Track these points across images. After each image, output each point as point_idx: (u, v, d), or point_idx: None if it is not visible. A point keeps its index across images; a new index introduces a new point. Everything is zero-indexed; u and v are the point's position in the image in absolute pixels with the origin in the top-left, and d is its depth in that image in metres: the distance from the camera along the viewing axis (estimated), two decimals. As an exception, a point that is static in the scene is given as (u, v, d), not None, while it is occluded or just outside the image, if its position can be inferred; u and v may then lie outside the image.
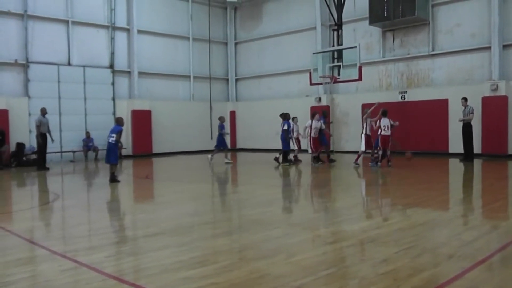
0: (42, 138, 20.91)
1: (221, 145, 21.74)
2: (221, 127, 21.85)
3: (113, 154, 15.44)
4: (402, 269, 5.68)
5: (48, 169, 20.98)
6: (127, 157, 27.11)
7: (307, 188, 14.77)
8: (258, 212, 10.34)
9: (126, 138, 27.57)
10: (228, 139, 23.04)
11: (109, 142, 15.30)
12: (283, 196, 13.06)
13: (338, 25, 23.28)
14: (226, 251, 6.91)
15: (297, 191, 14.06)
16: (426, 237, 7.46)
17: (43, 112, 21.12)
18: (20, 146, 23.57)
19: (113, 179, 15.52)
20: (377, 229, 8.08)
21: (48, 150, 21.99)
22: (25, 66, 24.41)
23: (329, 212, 10.26)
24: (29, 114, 23.83)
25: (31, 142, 23.52)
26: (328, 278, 5.49)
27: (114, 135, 15.09)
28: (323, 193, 13.43)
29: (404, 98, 24.35)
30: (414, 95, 24.04)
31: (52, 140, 21.52)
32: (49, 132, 21.19)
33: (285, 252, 6.57)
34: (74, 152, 25.77)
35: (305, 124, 20.43)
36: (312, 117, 20.02)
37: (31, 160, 23.17)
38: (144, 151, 28.01)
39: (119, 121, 15.78)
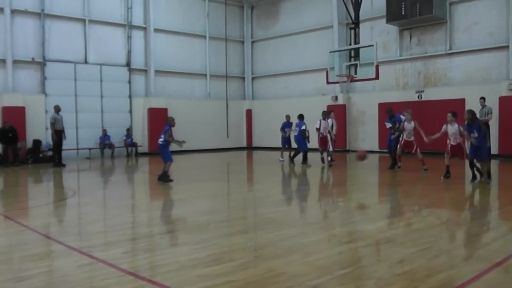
0: (57, 135, 21.16)
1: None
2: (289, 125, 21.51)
3: (163, 153, 15.20)
4: (419, 270, 5.66)
5: (64, 165, 21.15)
6: (143, 154, 27.22)
7: (323, 188, 14.73)
8: (274, 211, 10.35)
9: (142, 136, 27.71)
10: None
11: (159, 143, 15.22)
12: (299, 195, 13.04)
13: (355, 24, 23.20)
14: (242, 249, 6.93)
15: (313, 190, 14.03)
16: (443, 238, 7.43)
17: (57, 109, 21.38)
18: (37, 143, 23.77)
19: (164, 177, 15.14)
20: (394, 229, 8.06)
21: (64, 147, 22.21)
22: (42, 64, 24.61)
23: (345, 212, 10.23)
24: (46, 112, 23.98)
25: (47, 139, 23.69)
26: (344, 278, 5.48)
27: (163, 136, 15.01)
28: (339, 192, 13.40)
29: (421, 98, 24.19)
30: (431, 95, 23.89)
31: (65, 137, 21.67)
32: (63, 129, 21.42)
33: (301, 251, 6.56)
34: (90, 149, 25.92)
35: (315, 125, 20.18)
36: (328, 115, 19.74)
37: (48, 157, 23.37)
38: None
39: (168, 121, 15.48)
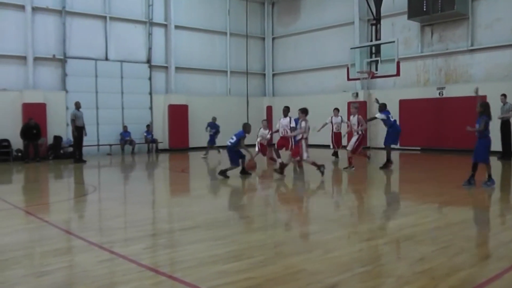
0: (78, 131, 21.39)
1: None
2: None
3: (231, 156, 15.03)
4: (439, 268, 5.63)
5: (85, 162, 21.32)
6: (164, 150, 27.35)
7: (343, 185, 14.68)
8: (294, 208, 10.35)
9: (163, 132, 27.83)
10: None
11: (228, 144, 15.16)
12: (319, 192, 13.01)
13: (377, 20, 23.07)
14: (262, 246, 6.93)
15: (333, 187, 13.99)
16: (463, 236, 7.37)
17: (77, 106, 21.63)
18: (58, 139, 23.97)
19: (223, 173, 14.81)
20: (413, 227, 8.01)
21: (85, 143, 22.44)
22: (62, 61, 24.82)
23: (365, 209, 10.22)
24: (67, 108, 24.17)
25: (68, 135, 23.90)
26: (364, 276, 5.47)
27: (234, 137, 14.93)
28: (359, 190, 13.34)
29: (442, 94, 24.03)
30: (452, 91, 23.67)
31: (85, 134, 21.85)
32: (83, 125, 21.62)
33: (321, 248, 6.56)
34: (111, 145, 26.10)
35: (325, 120, 20.42)
36: (355, 110, 19.04)
37: (68, 153, 23.56)
38: (180, 145, 28.16)
39: (245, 127, 15.27)
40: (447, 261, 5.89)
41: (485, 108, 11.97)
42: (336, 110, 20.67)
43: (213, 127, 23.46)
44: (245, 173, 15.06)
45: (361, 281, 5.32)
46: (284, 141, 17.72)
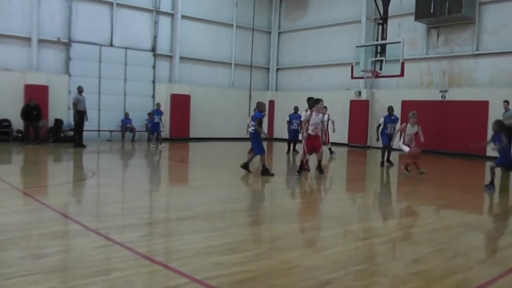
0: (79, 115, 21.46)
1: None
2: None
3: (255, 143, 13.89)
4: (434, 270, 5.63)
5: (85, 146, 21.35)
6: (165, 139, 27.33)
7: (342, 182, 14.69)
8: (292, 203, 10.39)
9: (164, 121, 27.83)
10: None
11: (250, 132, 14.04)
12: (317, 188, 13.02)
13: (384, 19, 23.02)
14: (258, 240, 6.96)
15: (332, 184, 13.99)
16: (460, 239, 7.37)
17: (80, 90, 21.71)
18: (59, 122, 24.06)
19: (265, 172, 13.73)
20: (410, 228, 8.03)
21: (86, 128, 22.48)
22: (67, 44, 24.87)
23: (362, 208, 10.22)
24: (69, 92, 24.20)
25: (69, 118, 23.94)
26: (359, 274, 5.48)
27: (253, 123, 13.76)
28: (357, 188, 13.34)
29: (445, 97, 24.00)
30: (455, 95, 23.66)
31: (87, 119, 21.93)
32: (85, 110, 21.69)
33: (317, 244, 6.58)
34: (111, 131, 26.12)
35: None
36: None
37: (69, 137, 23.63)
38: (181, 135, 28.21)
39: (259, 107, 13.93)
40: (443, 264, 5.90)
41: (501, 127, 12.25)
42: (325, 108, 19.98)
43: (296, 119, 22.06)
44: (266, 174, 13.95)
45: (355, 279, 5.32)
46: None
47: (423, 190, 12.47)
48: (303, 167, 14.11)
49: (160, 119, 22.22)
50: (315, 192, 12.50)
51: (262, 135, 13.92)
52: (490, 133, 20.23)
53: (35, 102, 22.24)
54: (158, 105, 23.33)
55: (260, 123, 13.68)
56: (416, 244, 6.93)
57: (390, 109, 18.12)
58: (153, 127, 22.68)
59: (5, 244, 6.24)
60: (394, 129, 17.19)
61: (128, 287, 4.91)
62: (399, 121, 18.25)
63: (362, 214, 9.52)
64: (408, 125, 14.95)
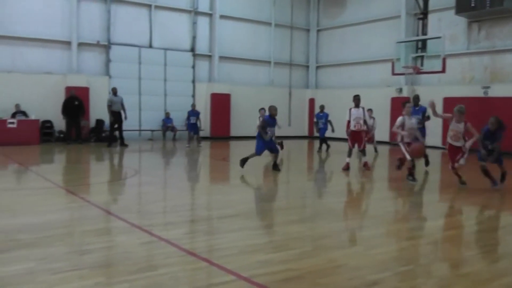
0: (114, 116, 21.90)
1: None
2: None
3: (256, 142, 14.30)
4: (481, 272, 5.57)
5: (127, 145, 21.71)
6: (205, 138, 27.50)
7: (387, 182, 14.50)
8: (336, 201, 10.33)
9: (205, 120, 28.01)
10: None
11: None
12: (362, 187, 12.95)
13: (424, 14, 22.74)
14: (302, 238, 6.94)
15: (376, 183, 13.80)
16: (506, 241, 7.25)
17: (114, 91, 22.14)
18: (100, 122, 24.45)
19: (275, 167, 14.24)
20: (456, 229, 7.93)
21: (127, 128, 22.90)
22: (106, 47, 25.27)
23: (407, 208, 10.10)
24: (109, 93, 24.49)
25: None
26: (405, 275, 5.44)
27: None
28: (403, 187, 13.15)
29: (487, 94, 23.55)
30: (497, 91, 23.14)
31: (125, 118, 22.23)
32: (123, 109, 22.04)
33: (362, 244, 6.55)
34: (152, 131, 26.40)
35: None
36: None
37: (103, 136, 23.99)
38: (222, 134, 28.33)
39: (269, 110, 14.48)
40: (489, 266, 5.83)
41: (501, 124, 11.88)
42: (370, 110, 19.45)
43: (321, 118, 22.03)
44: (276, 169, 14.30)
45: (402, 280, 5.28)
46: (356, 136, 15.27)
47: (469, 190, 12.24)
48: (411, 174, 12.87)
49: (197, 119, 22.37)
50: (358, 190, 12.44)
51: (266, 137, 14.02)
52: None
53: (75, 94, 22.79)
54: (193, 105, 23.54)
55: (263, 126, 14.07)
56: (461, 245, 6.85)
57: (416, 98, 16.74)
58: (190, 128, 22.89)
59: (51, 240, 6.42)
60: (420, 122, 15.44)
61: (174, 284, 4.98)
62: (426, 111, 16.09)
63: (406, 213, 9.44)
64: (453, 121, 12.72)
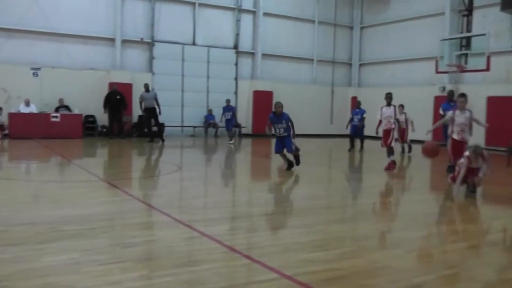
0: (146, 112, 22.24)
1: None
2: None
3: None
4: (527, 276, 5.46)
5: (163, 140, 21.90)
6: (247, 135, 27.59)
7: (427, 182, 14.32)
8: (378, 202, 10.25)
9: (247, 117, 28.10)
10: None
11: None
12: (405, 188, 12.86)
13: (468, 11, 22.33)
14: (345, 238, 6.93)
15: (421, 184, 13.63)
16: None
17: (146, 87, 22.38)
18: (142, 118, 24.67)
19: (292, 164, 13.81)
20: (501, 232, 7.78)
21: (170, 123, 23.46)
22: (150, 44, 25.77)
23: (449, 209, 9.96)
24: (152, 89, 24.74)
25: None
26: (450, 278, 5.37)
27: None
28: (443, 188, 12.96)
29: (532, 93, 22.98)
30: (543, 91, 22.63)
31: (160, 113, 22.37)
32: (158, 105, 22.19)
33: (405, 245, 6.46)
34: (194, 127, 26.64)
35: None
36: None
37: (153, 132, 24.20)
38: (264, 131, 28.31)
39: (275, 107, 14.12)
40: (536, 270, 5.71)
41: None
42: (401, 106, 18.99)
43: (356, 114, 21.95)
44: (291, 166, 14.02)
45: (446, 283, 5.23)
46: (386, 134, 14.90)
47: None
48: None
49: (233, 115, 22.55)
50: (399, 191, 12.30)
51: (268, 132, 14.17)
52: None
53: (117, 88, 23.35)
54: (228, 101, 23.94)
55: (268, 122, 13.89)
56: (506, 249, 6.73)
57: (450, 93, 16.63)
58: (226, 124, 23.37)
59: (96, 232, 6.55)
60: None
61: (217, 279, 5.00)
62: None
63: (449, 215, 9.32)
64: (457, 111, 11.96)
